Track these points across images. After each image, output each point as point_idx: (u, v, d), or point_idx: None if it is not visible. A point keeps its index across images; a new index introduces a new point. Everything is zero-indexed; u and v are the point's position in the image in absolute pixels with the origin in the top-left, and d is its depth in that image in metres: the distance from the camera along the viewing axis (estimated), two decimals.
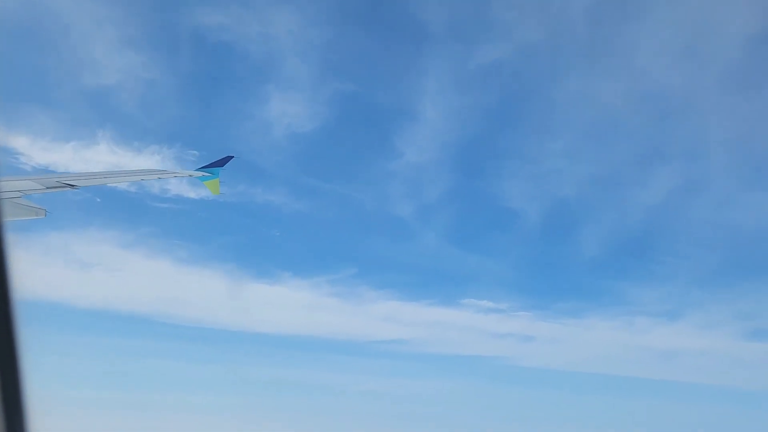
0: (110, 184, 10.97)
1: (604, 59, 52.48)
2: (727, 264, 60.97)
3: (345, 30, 51.04)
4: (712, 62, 51.60)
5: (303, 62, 51.81)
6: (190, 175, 15.87)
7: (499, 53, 52.78)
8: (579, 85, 54.55)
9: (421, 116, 57.00)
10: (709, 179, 57.75)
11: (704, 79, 52.20)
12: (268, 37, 50.04)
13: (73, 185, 10.11)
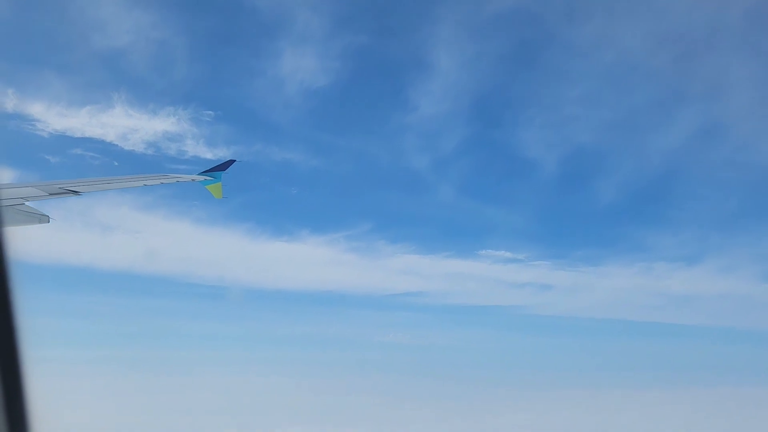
0: (113, 190, 10.98)
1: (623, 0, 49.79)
2: (747, 205, 58.74)
3: None
4: None
5: (314, 15, 49.97)
6: (192, 180, 15.86)
7: None
8: (597, 28, 52.03)
9: (435, 67, 55.27)
10: (729, 120, 55.29)
11: (726, 18, 49.59)
12: None
13: (76, 191, 10.10)
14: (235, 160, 17.64)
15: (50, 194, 8.98)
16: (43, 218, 8.42)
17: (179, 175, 15.11)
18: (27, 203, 8.42)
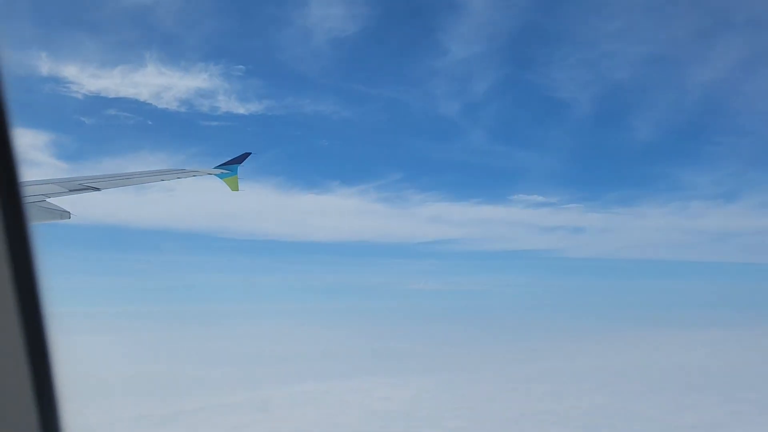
0: (132, 185, 11.10)
1: None
2: None
3: None
4: None
5: None
6: (209, 173, 15.98)
7: None
8: None
9: (466, 7, 55.07)
10: None
11: None
12: None
13: (96, 188, 10.20)
14: (250, 153, 17.73)
15: (70, 191, 9.09)
16: (64, 214, 8.52)
17: (195, 170, 15.24)
18: (48, 200, 8.53)
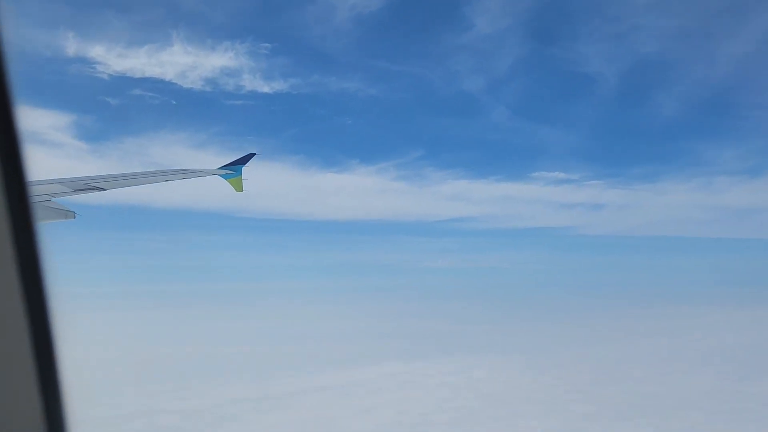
0: (137, 186, 11.09)
1: None
2: None
3: None
4: None
5: None
6: (213, 174, 15.98)
7: None
8: None
9: None
10: None
11: None
12: None
13: (101, 188, 10.20)
14: (254, 154, 17.72)
15: (75, 190, 9.09)
16: (69, 214, 8.51)
17: (200, 170, 15.25)
18: (53, 200, 8.52)
